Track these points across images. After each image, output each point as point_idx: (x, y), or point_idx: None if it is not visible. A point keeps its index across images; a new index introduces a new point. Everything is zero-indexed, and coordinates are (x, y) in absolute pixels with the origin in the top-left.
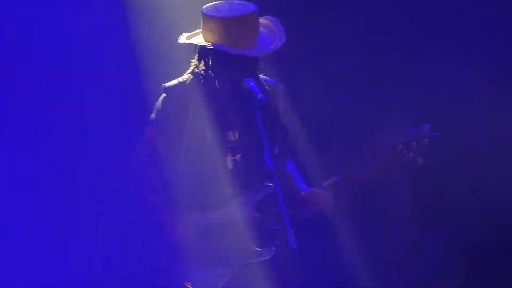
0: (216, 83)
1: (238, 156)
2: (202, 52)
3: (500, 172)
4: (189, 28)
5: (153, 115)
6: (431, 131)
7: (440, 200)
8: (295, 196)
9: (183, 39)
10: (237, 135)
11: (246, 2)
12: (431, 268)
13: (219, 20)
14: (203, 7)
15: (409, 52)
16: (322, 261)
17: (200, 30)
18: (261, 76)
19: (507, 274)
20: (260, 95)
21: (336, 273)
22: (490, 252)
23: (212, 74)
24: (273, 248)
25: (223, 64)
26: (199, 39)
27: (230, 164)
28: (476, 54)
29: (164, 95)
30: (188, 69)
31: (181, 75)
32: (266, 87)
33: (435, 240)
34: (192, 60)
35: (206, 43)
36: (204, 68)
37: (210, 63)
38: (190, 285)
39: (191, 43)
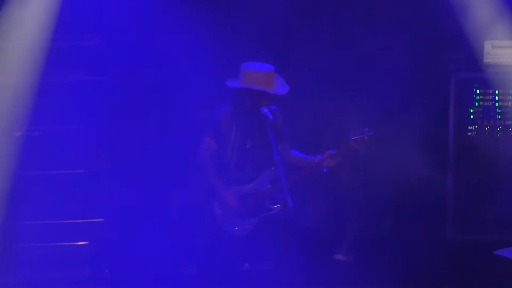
0: (245, 111)
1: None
2: (241, 91)
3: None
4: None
5: (209, 128)
6: (369, 132)
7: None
8: (311, 163)
9: (229, 83)
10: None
11: (267, 64)
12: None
13: (254, 73)
14: (243, 64)
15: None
16: (312, 220)
17: (238, 78)
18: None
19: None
20: (271, 118)
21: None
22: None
23: (245, 104)
24: (278, 205)
25: (253, 98)
26: (241, 83)
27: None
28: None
29: (217, 116)
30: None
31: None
32: (274, 112)
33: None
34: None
35: (246, 86)
36: (240, 101)
37: (245, 98)
38: (237, 229)
39: (235, 87)
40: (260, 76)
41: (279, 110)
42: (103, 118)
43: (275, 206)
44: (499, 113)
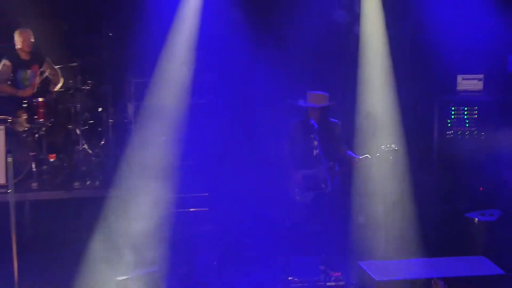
0: (305, 122)
1: (317, 150)
2: (302, 107)
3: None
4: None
5: (287, 132)
6: (395, 146)
7: None
8: (353, 161)
9: (300, 103)
10: (316, 142)
11: (321, 91)
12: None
13: (309, 95)
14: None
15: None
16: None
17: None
18: (330, 118)
19: None
20: (316, 127)
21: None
22: None
23: (305, 116)
24: (330, 185)
25: (307, 111)
26: (305, 103)
27: (315, 152)
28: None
29: (291, 124)
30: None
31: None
32: (329, 123)
33: None
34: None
35: (303, 104)
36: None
37: (304, 111)
38: (299, 198)
39: (299, 105)
40: (311, 96)
41: (339, 122)
42: (218, 126)
43: (323, 186)
44: (467, 123)
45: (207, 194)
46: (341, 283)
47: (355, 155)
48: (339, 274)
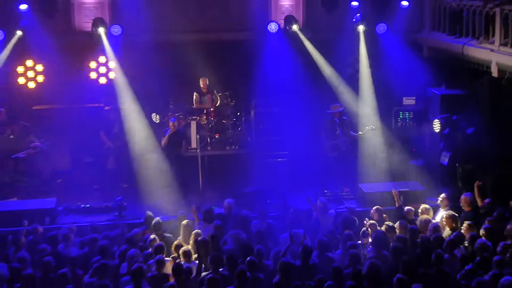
0: (334, 118)
1: (338, 131)
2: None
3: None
4: None
5: (325, 124)
6: (373, 127)
7: None
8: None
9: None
10: (338, 128)
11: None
12: None
13: (332, 106)
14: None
15: None
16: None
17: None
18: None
19: None
20: (337, 121)
21: None
22: None
23: (331, 116)
24: (345, 148)
25: (333, 113)
26: (331, 110)
27: (337, 132)
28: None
29: (326, 120)
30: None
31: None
32: (346, 120)
33: None
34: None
35: (333, 111)
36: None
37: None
38: (329, 155)
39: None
40: (333, 106)
41: (347, 118)
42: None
43: (343, 148)
44: (408, 119)
45: (287, 152)
46: (348, 193)
47: (355, 133)
48: (347, 189)
